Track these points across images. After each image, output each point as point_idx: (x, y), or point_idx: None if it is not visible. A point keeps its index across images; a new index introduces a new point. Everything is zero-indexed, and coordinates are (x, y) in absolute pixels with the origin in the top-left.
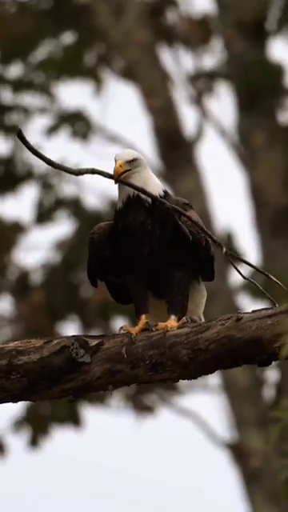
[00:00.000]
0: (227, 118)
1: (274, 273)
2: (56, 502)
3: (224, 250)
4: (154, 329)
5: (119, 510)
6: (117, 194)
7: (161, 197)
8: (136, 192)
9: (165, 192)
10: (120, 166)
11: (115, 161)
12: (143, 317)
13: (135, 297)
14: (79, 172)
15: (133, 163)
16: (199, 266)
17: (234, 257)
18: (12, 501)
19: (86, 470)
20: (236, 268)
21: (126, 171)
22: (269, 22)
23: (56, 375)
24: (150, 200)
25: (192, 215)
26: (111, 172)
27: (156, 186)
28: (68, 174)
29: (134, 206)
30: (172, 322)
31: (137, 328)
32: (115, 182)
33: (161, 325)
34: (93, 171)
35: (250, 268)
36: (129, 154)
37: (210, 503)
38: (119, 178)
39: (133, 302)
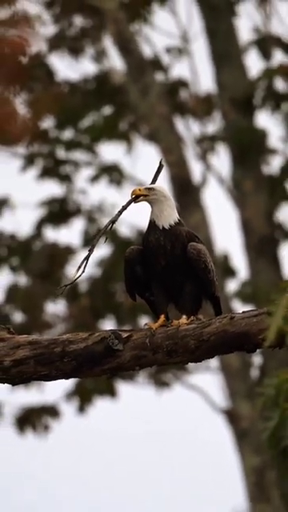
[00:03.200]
0: (224, 170)
1: (259, 284)
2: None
3: None
4: (169, 325)
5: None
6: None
7: (171, 225)
8: (151, 218)
9: (178, 222)
10: (139, 189)
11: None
12: (162, 316)
13: (157, 302)
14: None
15: (151, 191)
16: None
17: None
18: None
19: (118, 427)
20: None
21: (143, 195)
22: (255, 98)
23: (97, 359)
24: (168, 223)
25: (198, 244)
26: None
27: (170, 215)
28: (107, 211)
29: (153, 227)
30: (183, 320)
31: (157, 324)
32: (133, 201)
33: (175, 322)
34: (123, 208)
35: (241, 279)
36: (152, 186)
37: (211, 454)
38: (133, 195)
39: (155, 305)
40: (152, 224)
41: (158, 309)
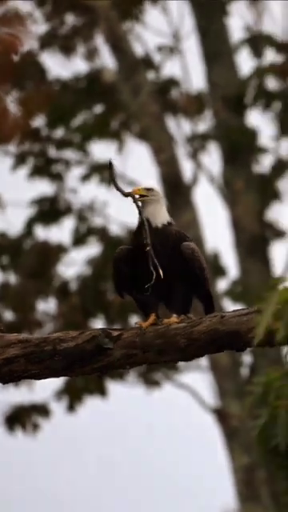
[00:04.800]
0: (215, 169)
1: (249, 283)
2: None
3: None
4: (160, 323)
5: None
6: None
7: (164, 225)
8: (146, 216)
9: (170, 222)
10: (138, 189)
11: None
12: (152, 315)
13: (147, 301)
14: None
15: (150, 191)
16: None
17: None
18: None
19: (110, 424)
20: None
21: (142, 196)
22: (246, 97)
23: (88, 357)
24: (161, 222)
25: (191, 243)
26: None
27: (163, 216)
28: (97, 211)
29: (143, 228)
30: (173, 318)
31: (147, 323)
32: (125, 196)
33: (165, 320)
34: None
35: (232, 278)
36: (149, 184)
37: (200, 452)
38: (132, 194)
39: (146, 304)
40: (142, 224)
41: (149, 308)
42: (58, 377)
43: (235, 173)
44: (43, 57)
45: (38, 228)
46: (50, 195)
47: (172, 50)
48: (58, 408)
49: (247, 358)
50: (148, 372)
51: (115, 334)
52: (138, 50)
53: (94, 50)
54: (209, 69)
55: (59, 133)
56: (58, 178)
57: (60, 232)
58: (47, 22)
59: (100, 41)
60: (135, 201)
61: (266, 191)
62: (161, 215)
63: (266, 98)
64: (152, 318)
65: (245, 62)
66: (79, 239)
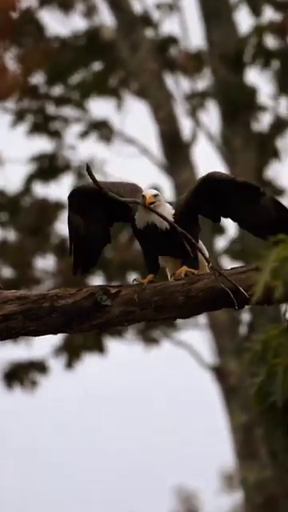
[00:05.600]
0: (214, 127)
1: (249, 240)
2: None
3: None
4: (172, 278)
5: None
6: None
7: (170, 226)
8: (151, 220)
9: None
10: (149, 197)
11: (143, 196)
12: (151, 276)
13: (148, 262)
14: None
15: (156, 197)
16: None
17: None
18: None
19: (107, 382)
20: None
21: (153, 202)
22: (245, 55)
23: (86, 314)
24: (166, 226)
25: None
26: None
27: (168, 213)
28: (96, 167)
29: (151, 230)
30: (184, 268)
31: (146, 280)
32: (144, 207)
33: (177, 272)
34: (134, 201)
35: (230, 236)
36: (154, 192)
37: (198, 410)
38: (150, 205)
39: (146, 262)
40: (150, 226)
41: (149, 268)
42: (55, 334)
43: (234, 131)
44: (42, 14)
45: (36, 185)
46: (48, 152)
47: (171, 7)
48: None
49: (246, 316)
50: (146, 330)
51: (113, 291)
52: (137, 7)
53: (93, 8)
54: (208, 27)
55: (58, 90)
56: (56, 135)
57: (59, 189)
58: None
59: None
60: (152, 210)
61: (265, 149)
62: (166, 213)
63: (264, 57)
64: (150, 276)
65: (244, 20)
66: None
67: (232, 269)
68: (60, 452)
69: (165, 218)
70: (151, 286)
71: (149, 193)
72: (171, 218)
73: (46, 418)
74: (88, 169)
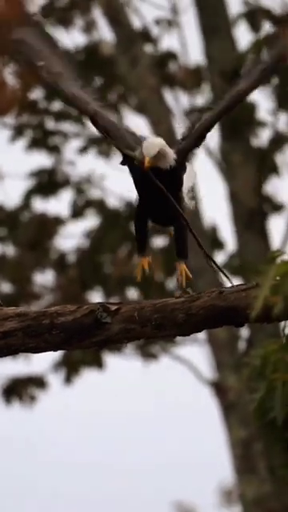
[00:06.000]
0: (213, 142)
1: (246, 257)
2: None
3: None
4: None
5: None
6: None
7: (172, 167)
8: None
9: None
10: (148, 161)
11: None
12: (145, 259)
13: (138, 237)
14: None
15: (158, 154)
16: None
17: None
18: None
19: (106, 397)
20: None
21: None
22: (244, 71)
23: (86, 331)
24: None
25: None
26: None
27: (171, 159)
28: (95, 183)
29: (153, 171)
30: (182, 266)
31: (144, 263)
32: (143, 167)
33: (179, 273)
34: (135, 156)
35: (229, 251)
36: (155, 150)
37: (198, 426)
38: (147, 169)
39: (136, 240)
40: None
41: (140, 248)
42: (55, 351)
43: (233, 146)
44: None
45: (35, 200)
46: (47, 167)
47: (170, 23)
48: (55, 382)
49: (245, 331)
50: (145, 345)
51: (113, 308)
52: (136, 23)
53: (92, 23)
54: (207, 42)
55: (57, 105)
56: (55, 150)
57: (58, 204)
58: None
59: (98, 14)
60: (146, 171)
61: (264, 165)
62: (168, 160)
63: None
64: (145, 261)
65: (243, 36)
66: (77, 212)
67: (232, 286)
68: (57, 465)
69: (164, 192)
70: (151, 304)
71: (148, 154)
72: (173, 162)
73: (43, 432)
74: (92, 119)
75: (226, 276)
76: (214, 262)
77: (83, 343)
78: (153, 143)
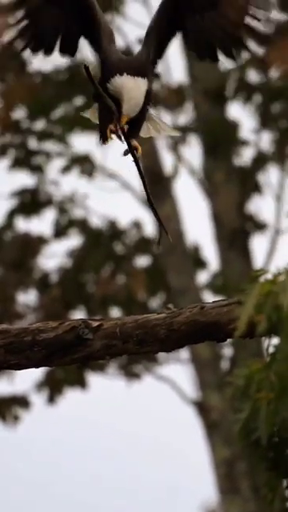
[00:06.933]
0: (196, 161)
1: (229, 276)
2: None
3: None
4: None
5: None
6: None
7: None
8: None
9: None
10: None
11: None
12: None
13: (102, 120)
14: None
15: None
16: None
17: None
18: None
19: (87, 422)
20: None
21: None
22: (227, 90)
23: (67, 348)
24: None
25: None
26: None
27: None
28: (78, 203)
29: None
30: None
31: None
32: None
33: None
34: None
35: (212, 271)
36: (134, 110)
37: (182, 446)
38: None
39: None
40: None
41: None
42: (37, 367)
43: (216, 165)
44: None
45: (18, 220)
46: (30, 187)
47: None
48: (38, 400)
49: (228, 350)
50: (128, 365)
51: (95, 324)
52: (119, 42)
53: None
54: (190, 61)
55: (40, 125)
56: (38, 169)
57: (41, 224)
58: None
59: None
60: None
61: (247, 184)
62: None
63: (246, 91)
64: (122, 122)
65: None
66: (60, 231)
67: (214, 302)
68: (46, 487)
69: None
70: (133, 320)
71: (123, 120)
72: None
73: (25, 455)
74: (86, 69)
75: (164, 230)
76: (155, 212)
77: (65, 360)
78: (131, 108)
